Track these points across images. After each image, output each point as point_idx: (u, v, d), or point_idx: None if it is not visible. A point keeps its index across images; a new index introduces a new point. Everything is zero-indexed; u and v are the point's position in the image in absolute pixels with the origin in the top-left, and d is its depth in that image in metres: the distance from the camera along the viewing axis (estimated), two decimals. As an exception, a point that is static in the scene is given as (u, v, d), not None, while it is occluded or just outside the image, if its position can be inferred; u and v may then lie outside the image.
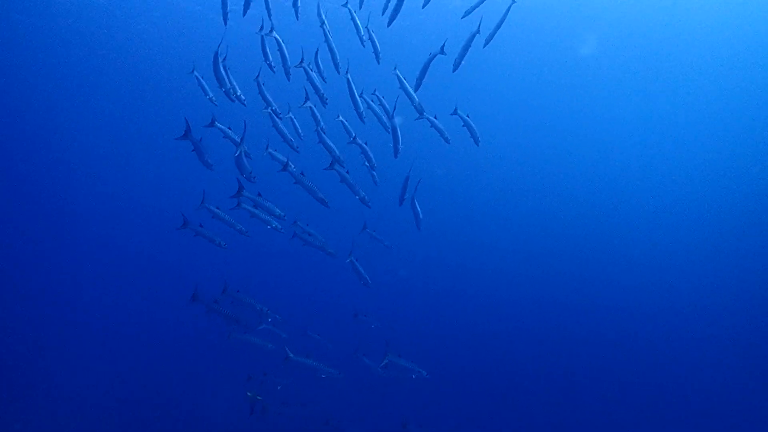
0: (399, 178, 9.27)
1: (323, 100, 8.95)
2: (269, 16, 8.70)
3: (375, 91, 9.01)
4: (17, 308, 21.29)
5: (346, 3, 8.91)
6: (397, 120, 8.82)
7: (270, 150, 8.54)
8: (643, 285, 25.88)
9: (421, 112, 8.92)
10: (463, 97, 10.00)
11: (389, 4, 8.63)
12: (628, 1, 22.29)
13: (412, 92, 8.69)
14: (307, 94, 8.89)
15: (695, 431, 19.16)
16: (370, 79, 9.02)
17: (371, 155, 9.16)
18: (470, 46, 8.45)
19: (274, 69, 8.91)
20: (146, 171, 29.52)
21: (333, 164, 8.68)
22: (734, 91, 27.61)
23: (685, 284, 25.84)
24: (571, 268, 27.17)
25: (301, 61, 8.61)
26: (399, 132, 8.82)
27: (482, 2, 8.63)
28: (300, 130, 9.38)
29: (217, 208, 8.59)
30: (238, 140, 8.21)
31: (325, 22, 8.61)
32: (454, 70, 8.79)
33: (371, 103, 8.93)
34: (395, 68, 8.61)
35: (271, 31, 8.63)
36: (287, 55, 8.67)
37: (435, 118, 9.10)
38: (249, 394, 10.16)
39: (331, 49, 8.71)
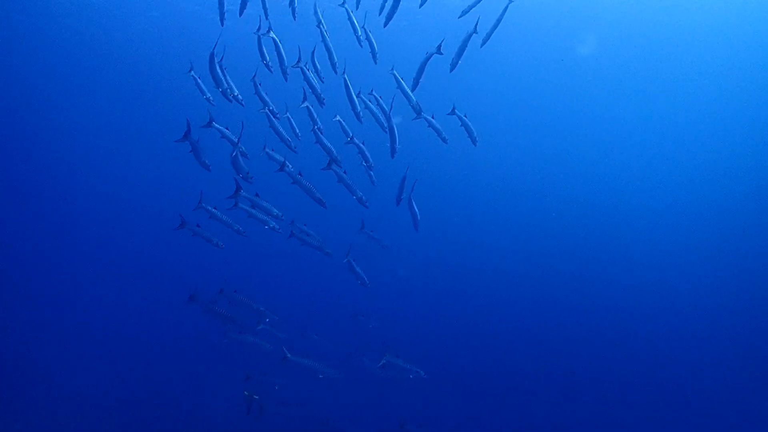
0: (396, 178, 9.28)
1: (320, 100, 8.95)
2: (266, 16, 8.70)
3: (372, 91, 9.00)
4: (17, 308, 21.28)
5: (343, 3, 8.91)
6: (395, 120, 8.82)
7: (267, 150, 8.54)
8: (642, 285, 25.82)
9: (418, 112, 8.91)
10: (460, 97, 9.98)
11: (386, 4, 8.63)
12: (627, 1, 22.28)
13: (409, 92, 8.69)
14: (304, 94, 8.89)
15: (695, 431, 19.14)
16: (367, 79, 9.01)
17: (368, 155, 9.15)
18: (467, 45, 8.46)
19: (272, 69, 8.91)
20: (144, 171, 29.50)
21: (330, 164, 8.67)
22: (734, 91, 27.61)
23: (685, 284, 25.79)
24: (571, 268, 27.12)
25: (298, 61, 8.60)
26: (396, 132, 8.81)
27: (479, 2, 8.63)
28: (297, 130, 9.37)
29: (215, 208, 8.60)
30: (236, 140, 8.21)
31: (322, 21, 8.61)
32: (451, 70, 8.80)
33: (368, 103, 8.92)
34: (392, 68, 8.61)
35: (268, 31, 8.63)
36: (284, 55, 8.67)
37: (432, 117, 9.10)
38: (246, 393, 10.15)
39: (328, 49, 8.72)
